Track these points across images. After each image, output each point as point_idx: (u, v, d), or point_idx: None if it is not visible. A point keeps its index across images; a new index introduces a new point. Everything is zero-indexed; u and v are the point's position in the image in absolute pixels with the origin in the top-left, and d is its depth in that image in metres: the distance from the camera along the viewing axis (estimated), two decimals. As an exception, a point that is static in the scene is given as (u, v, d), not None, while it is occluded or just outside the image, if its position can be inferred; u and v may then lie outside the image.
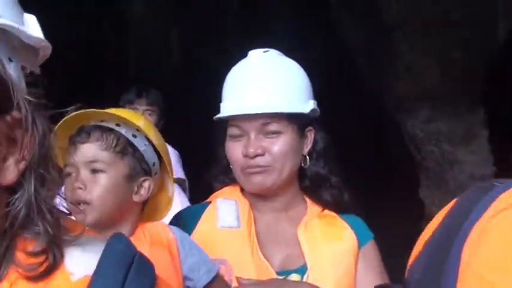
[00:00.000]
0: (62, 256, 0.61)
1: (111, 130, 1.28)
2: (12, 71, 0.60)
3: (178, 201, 2.01)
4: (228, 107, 1.44)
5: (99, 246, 0.62)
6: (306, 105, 1.45)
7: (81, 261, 0.61)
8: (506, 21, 4.41)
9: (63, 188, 1.27)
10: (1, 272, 0.60)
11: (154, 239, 1.30)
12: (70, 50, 4.83)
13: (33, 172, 0.61)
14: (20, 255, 0.60)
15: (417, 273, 0.82)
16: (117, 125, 1.29)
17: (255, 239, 1.42)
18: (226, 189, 1.51)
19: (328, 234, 1.44)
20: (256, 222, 1.45)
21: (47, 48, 0.65)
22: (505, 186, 0.75)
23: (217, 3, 6.44)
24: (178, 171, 2.87)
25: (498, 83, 4.62)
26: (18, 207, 0.59)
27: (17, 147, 0.60)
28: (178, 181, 2.83)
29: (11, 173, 0.60)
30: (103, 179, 1.25)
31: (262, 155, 1.40)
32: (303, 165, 1.46)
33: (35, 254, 0.59)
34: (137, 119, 1.32)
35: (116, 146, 1.27)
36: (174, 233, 1.32)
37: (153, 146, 1.32)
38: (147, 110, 2.86)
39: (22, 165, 0.60)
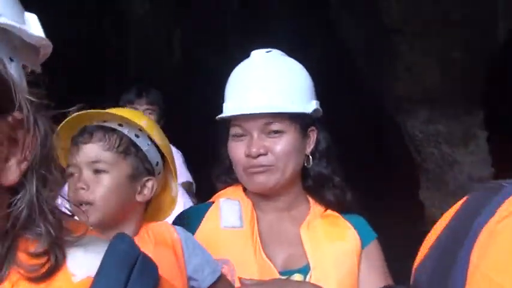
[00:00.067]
0: (64, 257, 0.60)
1: (113, 130, 1.27)
2: (14, 70, 0.60)
3: (182, 202, 2.01)
4: (231, 107, 1.44)
5: (102, 246, 0.62)
6: (309, 105, 1.45)
7: (83, 262, 0.61)
8: (506, 21, 4.41)
9: (65, 189, 1.27)
10: (3, 273, 0.60)
11: (158, 239, 1.29)
12: (71, 48, 4.83)
13: (35, 172, 0.60)
14: (21, 256, 0.60)
15: (424, 276, 0.81)
16: (120, 125, 1.29)
17: (258, 238, 1.42)
18: (229, 189, 1.51)
19: (331, 234, 1.44)
20: (259, 222, 1.45)
21: (48, 47, 0.65)
22: None
23: (217, 3, 6.44)
24: (185, 175, 2.87)
25: (498, 83, 4.62)
26: (20, 208, 0.59)
27: (18, 148, 0.60)
28: (187, 184, 2.83)
29: (12, 173, 0.60)
30: (106, 180, 1.25)
31: (264, 154, 1.40)
32: (305, 165, 1.46)
33: (36, 255, 0.59)
34: (139, 119, 1.31)
35: (118, 146, 1.26)
36: (179, 233, 1.32)
37: (157, 145, 1.32)
38: (147, 109, 2.86)
39: (24, 165, 0.60)
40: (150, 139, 1.31)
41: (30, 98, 0.60)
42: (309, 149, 1.47)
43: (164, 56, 6.44)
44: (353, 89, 5.61)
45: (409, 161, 4.87)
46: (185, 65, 6.45)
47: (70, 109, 0.68)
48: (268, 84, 1.42)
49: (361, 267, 1.43)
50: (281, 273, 1.38)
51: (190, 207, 1.77)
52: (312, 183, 1.48)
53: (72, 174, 1.27)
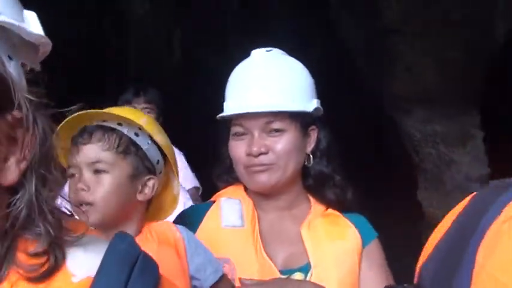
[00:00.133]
0: (64, 257, 0.60)
1: (113, 130, 1.27)
2: (13, 69, 0.59)
3: (182, 201, 2.01)
4: (232, 106, 1.44)
5: (102, 246, 0.61)
6: (309, 103, 1.45)
7: (83, 262, 0.61)
8: (506, 21, 4.40)
9: (66, 189, 1.27)
10: (2, 273, 0.59)
11: (161, 238, 1.29)
12: (71, 48, 4.82)
13: (34, 172, 0.60)
14: (21, 256, 0.59)
15: (429, 275, 0.81)
16: (119, 124, 1.28)
17: (259, 238, 1.42)
18: (230, 189, 1.51)
19: (332, 233, 1.44)
20: (260, 221, 1.45)
21: (47, 45, 0.65)
22: None
23: (217, 3, 6.43)
24: (193, 180, 2.87)
25: (498, 83, 4.62)
26: (19, 208, 0.59)
27: (17, 147, 0.60)
28: (194, 190, 2.83)
29: (12, 173, 0.59)
30: (106, 180, 1.25)
31: (265, 153, 1.40)
32: (306, 164, 1.46)
33: (36, 255, 0.59)
34: (139, 118, 1.31)
35: (118, 146, 1.26)
36: (181, 232, 1.31)
37: (157, 143, 1.31)
38: (145, 108, 2.86)
39: (23, 165, 0.60)
40: (151, 137, 1.30)
41: (29, 96, 0.60)
42: (310, 147, 1.47)
43: (164, 56, 6.43)
44: (353, 89, 5.61)
45: (408, 161, 4.87)
46: (185, 65, 6.44)
47: (69, 108, 0.68)
48: (268, 83, 1.42)
49: (362, 266, 1.43)
50: (282, 272, 1.39)
51: (191, 206, 1.77)
52: (313, 182, 1.48)
53: (72, 175, 1.26)
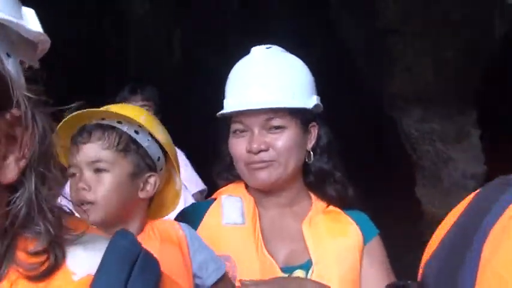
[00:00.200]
0: (64, 256, 0.60)
1: (112, 128, 1.26)
2: (11, 66, 0.59)
3: (183, 199, 2.01)
4: (231, 103, 1.44)
5: (102, 244, 0.61)
6: (309, 100, 1.45)
7: (83, 261, 0.60)
8: (506, 21, 4.40)
9: (67, 189, 1.26)
10: (1, 272, 0.59)
11: (164, 236, 1.29)
12: (71, 48, 4.82)
13: (34, 170, 0.60)
14: (20, 255, 0.59)
15: (433, 272, 0.80)
16: (119, 122, 1.28)
17: (260, 235, 1.42)
18: (231, 186, 1.51)
19: (333, 230, 1.44)
20: (261, 219, 1.45)
21: (45, 42, 0.64)
22: None
23: (217, 3, 6.42)
24: (198, 183, 2.86)
25: (497, 83, 4.62)
26: (19, 206, 0.58)
27: (16, 145, 0.60)
28: (200, 193, 2.82)
29: (11, 171, 0.59)
30: (107, 179, 1.24)
31: (266, 150, 1.40)
32: (307, 160, 1.46)
33: (35, 254, 0.58)
34: (138, 115, 1.30)
35: (118, 145, 1.25)
36: (184, 229, 1.31)
37: (157, 140, 1.31)
38: (143, 105, 2.85)
39: (22, 163, 0.59)
40: (151, 134, 1.30)
41: (28, 94, 0.60)
42: (310, 144, 1.47)
43: (164, 56, 6.43)
44: (353, 89, 5.60)
45: (408, 161, 4.87)
46: (185, 65, 6.44)
47: (69, 106, 0.67)
48: (268, 80, 1.42)
49: (363, 263, 1.43)
50: (283, 269, 1.38)
51: (192, 204, 1.77)
52: (314, 178, 1.48)
53: (73, 175, 1.26)
